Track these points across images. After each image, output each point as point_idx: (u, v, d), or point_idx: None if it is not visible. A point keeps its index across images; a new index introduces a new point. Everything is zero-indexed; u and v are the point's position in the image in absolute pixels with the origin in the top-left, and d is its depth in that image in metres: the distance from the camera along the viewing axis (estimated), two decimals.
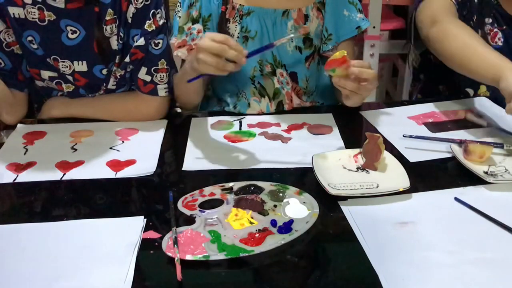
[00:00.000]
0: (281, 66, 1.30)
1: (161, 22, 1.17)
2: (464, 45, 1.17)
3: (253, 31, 1.26)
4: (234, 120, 1.24)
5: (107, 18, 1.13)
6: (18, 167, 1.02)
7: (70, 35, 1.13)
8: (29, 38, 1.12)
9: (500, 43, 1.36)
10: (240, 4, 1.25)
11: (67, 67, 1.16)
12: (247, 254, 0.74)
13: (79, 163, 1.04)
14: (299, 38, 1.27)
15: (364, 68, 1.05)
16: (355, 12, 1.31)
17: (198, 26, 1.26)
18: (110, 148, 1.10)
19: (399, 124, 1.20)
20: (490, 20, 1.35)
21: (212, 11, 1.26)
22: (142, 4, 1.14)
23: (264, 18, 1.26)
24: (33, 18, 1.11)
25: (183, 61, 1.32)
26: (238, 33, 1.26)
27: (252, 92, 1.31)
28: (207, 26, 1.26)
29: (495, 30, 1.35)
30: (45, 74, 1.18)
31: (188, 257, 0.73)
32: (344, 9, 1.30)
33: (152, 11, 1.15)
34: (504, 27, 1.34)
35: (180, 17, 1.25)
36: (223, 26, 1.25)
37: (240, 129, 1.20)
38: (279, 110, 1.31)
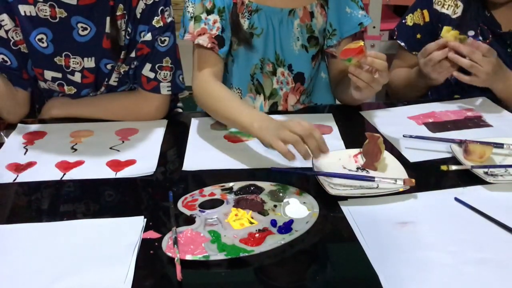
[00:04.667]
0: (284, 65, 1.30)
1: (169, 20, 1.18)
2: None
3: (260, 28, 1.26)
4: None
5: (118, 13, 1.14)
6: (18, 167, 1.02)
7: (81, 32, 1.14)
8: (39, 36, 1.13)
9: None
10: (249, 0, 1.25)
11: (77, 63, 1.17)
12: (247, 254, 0.74)
13: (79, 163, 1.04)
14: None
15: (378, 59, 1.06)
16: (356, 9, 1.32)
17: (214, 17, 1.23)
18: (110, 148, 1.10)
19: (399, 124, 1.20)
20: (473, 33, 1.36)
21: (225, 3, 1.25)
22: (152, 0, 1.15)
23: (271, 16, 1.26)
24: (44, 16, 1.12)
25: (199, 48, 1.26)
26: (246, 29, 1.26)
27: (249, 88, 1.31)
28: (223, 17, 1.24)
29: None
30: (49, 74, 1.18)
31: (188, 257, 0.73)
32: (346, 6, 1.31)
33: (161, 8, 1.16)
34: (489, 40, 1.34)
35: (189, 12, 1.24)
36: (235, 19, 1.25)
37: None
38: (273, 110, 1.32)
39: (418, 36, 1.44)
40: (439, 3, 1.40)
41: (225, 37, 1.24)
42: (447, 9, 1.39)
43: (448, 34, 1.21)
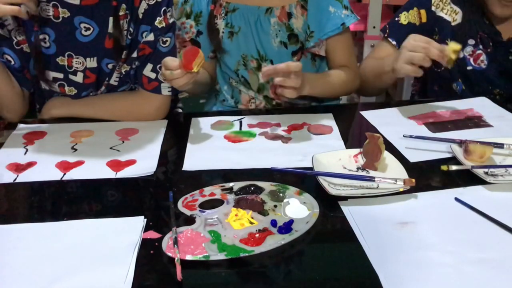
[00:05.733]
0: (266, 61, 1.35)
1: (171, 21, 1.19)
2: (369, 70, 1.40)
3: (237, 26, 1.32)
4: (234, 120, 1.24)
5: (121, 13, 1.14)
6: (18, 167, 1.02)
7: (84, 32, 1.14)
8: (42, 36, 1.13)
9: (483, 65, 1.35)
10: (226, 2, 1.31)
11: (80, 63, 1.17)
12: (247, 254, 0.74)
13: (79, 163, 1.04)
14: None
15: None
16: (340, 8, 1.34)
17: (190, 22, 1.35)
18: (110, 148, 1.10)
19: (399, 124, 1.20)
20: (473, 42, 1.34)
21: (202, 8, 1.33)
22: (155, 1, 1.15)
23: (248, 15, 1.31)
24: (47, 16, 1.12)
25: None
26: (223, 29, 1.32)
27: (234, 85, 1.39)
28: (199, 22, 1.34)
29: (478, 52, 1.34)
30: (50, 75, 1.18)
31: (188, 257, 0.73)
32: (329, 6, 1.33)
33: (163, 8, 1.17)
34: (489, 49, 1.33)
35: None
36: (212, 24, 1.33)
37: (240, 129, 1.20)
38: (273, 106, 1.36)
39: None
40: (438, 6, 1.38)
41: (200, 41, 1.35)
42: (445, 13, 1.37)
43: (451, 51, 1.14)
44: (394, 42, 1.40)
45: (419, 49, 1.13)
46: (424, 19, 1.39)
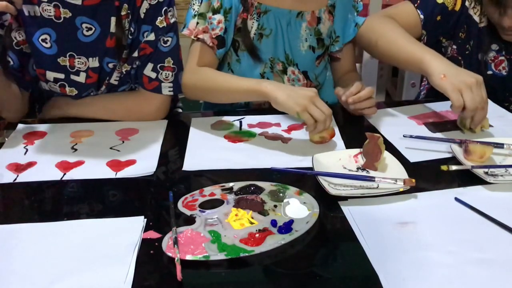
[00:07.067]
0: (293, 64, 1.34)
1: (172, 20, 1.19)
2: (389, 42, 1.27)
3: (268, 29, 1.30)
4: (234, 120, 1.24)
5: (122, 13, 1.14)
6: (18, 167, 1.02)
7: (85, 32, 1.14)
8: (43, 36, 1.13)
9: (504, 72, 1.34)
10: (258, 2, 1.27)
11: (82, 63, 1.17)
12: (247, 254, 0.74)
13: (79, 163, 1.04)
14: None
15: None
16: (354, 15, 1.39)
17: (219, 17, 1.26)
18: (110, 148, 1.10)
19: (399, 124, 1.20)
20: (497, 47, 1.32)
21: (233, 3, 1.27)
22: (156, 1, 1.15)
23: (280, 17, 1.30)
24: (48, 16, 1.11)
25: (199, 45, 1.30)
26: (255, 30, 1.29)
27: None
28: (227, 18, 1.27)
29: (501, 58, 1.33)
30: (51, 75, 1.18)
31: (188, 257, 0.73)
32: (348, 13, 1.37)
33: (164, 8, 1.17)
34: None
35: (194, 9, 1.26)
36: (245, 25, 1.28)
37: (240, 129, 1.20)
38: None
39: (438, 18, 1.32)
40: (471, 2, 1.31)
41: (226, 39, 1.27)
42: (475, 13, 1.31)
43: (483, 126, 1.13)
44: (422, 17, 1.32)
45: (471, 105, 1.06)
46: (457, 7, 1.31)
